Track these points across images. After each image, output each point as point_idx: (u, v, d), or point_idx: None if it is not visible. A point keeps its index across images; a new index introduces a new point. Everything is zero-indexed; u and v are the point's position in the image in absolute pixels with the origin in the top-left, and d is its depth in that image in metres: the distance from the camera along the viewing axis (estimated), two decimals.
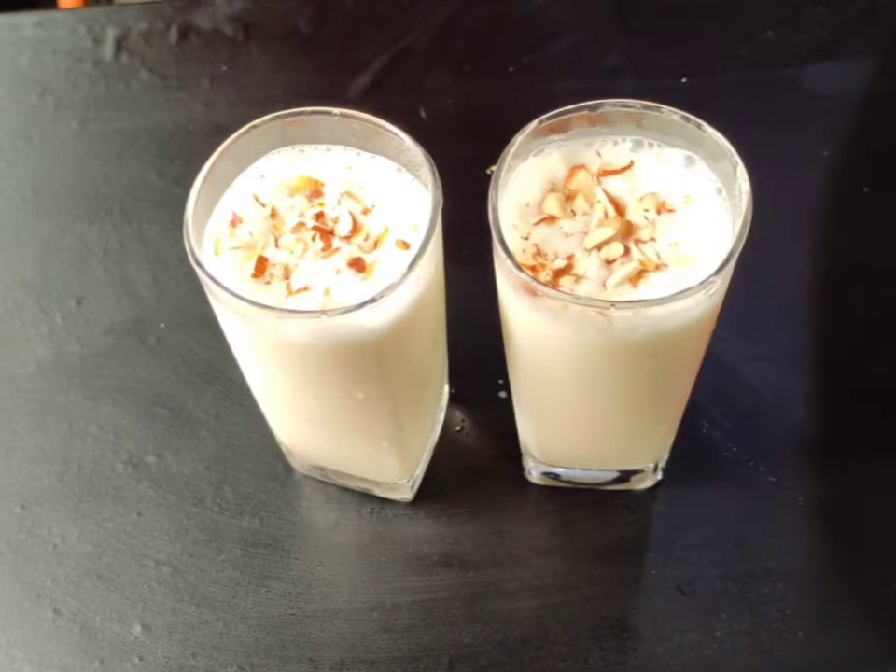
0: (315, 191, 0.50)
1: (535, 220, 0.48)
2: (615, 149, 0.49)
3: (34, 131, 0.78)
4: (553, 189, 0.49)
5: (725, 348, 0.64)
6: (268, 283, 0.47)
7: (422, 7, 0.83)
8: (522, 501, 0.61)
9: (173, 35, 0.82)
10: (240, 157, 0.50)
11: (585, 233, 0.47)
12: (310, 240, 0.48)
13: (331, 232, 0.48)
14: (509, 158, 0.47)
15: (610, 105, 0.48)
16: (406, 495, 0.60)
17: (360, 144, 0.50)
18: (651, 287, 0.45)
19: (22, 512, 0.61)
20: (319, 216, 0.49)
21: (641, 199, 0.48)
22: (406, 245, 0.47)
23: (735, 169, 0.46)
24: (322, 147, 0.51)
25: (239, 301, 0.44)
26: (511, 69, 0.79)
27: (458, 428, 0.64)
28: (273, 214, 0.49)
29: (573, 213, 0.47)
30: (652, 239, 0.46)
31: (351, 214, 0.49)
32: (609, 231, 0.47)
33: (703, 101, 0.75)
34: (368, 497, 0.61)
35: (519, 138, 0.47)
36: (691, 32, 0.81)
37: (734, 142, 0.46)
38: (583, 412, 0.54)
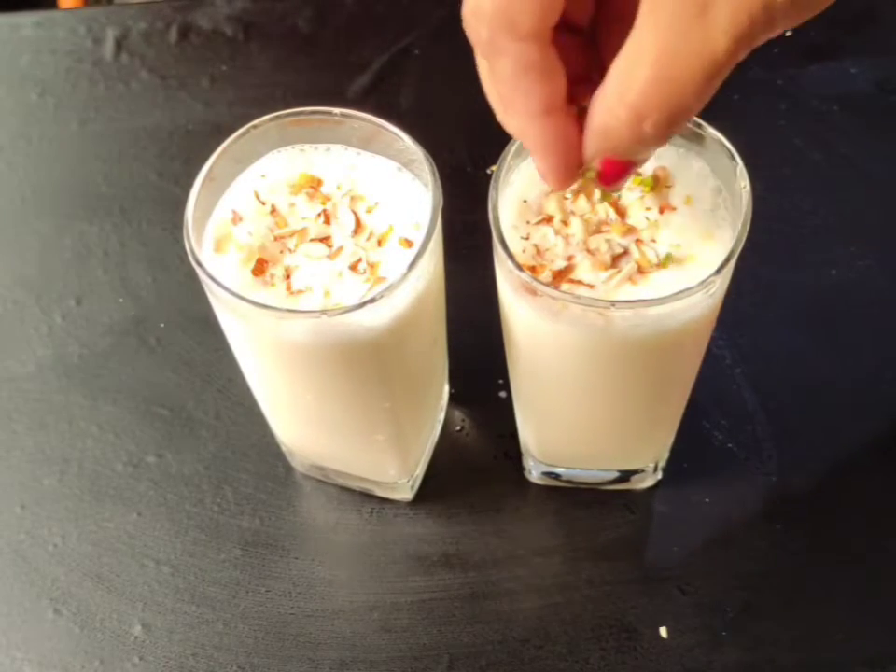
0: (317, 190, 0.50)
1: (535, 220, 0.48)
2: None
3: (34, 131, 0.78)
4: (553, 190, 0.48)
5: (725, 348, 0.64)
6: (268, 282, 0.47)
7: (422, 7, 0.83)
8: (522, 501, 0.61)
9: (173, 35, 0.82)
10: (240, 157, 0.50)
11: (585, 233, 0.47)
12: (311, 239, 0.48)
13: (332, 232, 0.48)
14: (509, 158, 0.47)
15: None
16: (406, 495, 0.60)
17: (360, 144, 0.50)
18: (651, 286, 0.45)
19: (22, 512, 0.61)
20: (320, 214, 0.49)
21: (641, 198, 0.48)
22: (409, 244, 0.47)
23: (735, 169, 0.46)
24: (322, 146, 0.51)
25: (239, 300, 0.44)
26: None
27: (458, 428, 0.64)
28: (274, 213, 0.49)
29: (573, 213, 0.47)
30: (653, 240, 0.46)
31: (354, 213, 0.49)
32: (608, 232, 0.47)
33: None
34: (368, 496, 0.61)
35: None
36: None
37: (734, 142, 0.46)
38: (583, 411, 0.54)
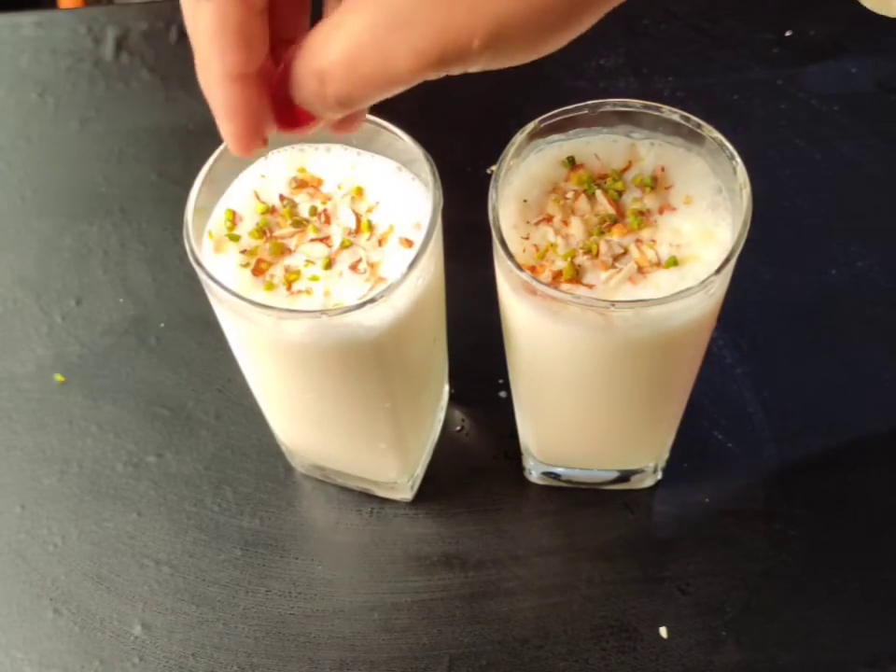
0: (317, 190, 0.50)
1: (535, 220, 0.48)
2: (615, 149, 0.49)
3: (34, 131, 0.78)
4: (553, 189, 0.49)
5: (725, 348, 0.64)
6: (268, 282, 0.47)
7: None
8: (522, 501, 0.61)
9: (173, 34, 0.82)
10: (240, 157, 0.50)
11: (585, 233, 0.47)
12: (311, 239, 0.48)
13: (332, 232, 0.48)
14: (509, 158, 0.47)
15: (610, 105, 0.48)
16: (406, 495, 0.60)
17: (361, 144, 0.50)
18: (651, 286, 0.45)
19: (22, 512, 0.61)
20: (320, 214, 0.49)
21: (641, 198, 0.48)
22: (410, 244, 0.47)
23: (734, 169, 0.46)
24: (322, 146, 0.51)
25: (239, 300, 0.44)
26: (511, 69, 0.79)
27: (458, 428, 0.64)
28: (274, 212, 0.49)
29: (573, 213, 0.47)
30: (652, 240, 0.46)
31: (354, 212, 0.49)
32: (608, 232, 0.47)
33: (703, 101, 0.76)
34: (368, 496, 0.61)
35: (519, 138, 0.47)
36: (690, 32, 0.81)
37: (734, 142, 0.46)
38: (583, 411, 0.54)
